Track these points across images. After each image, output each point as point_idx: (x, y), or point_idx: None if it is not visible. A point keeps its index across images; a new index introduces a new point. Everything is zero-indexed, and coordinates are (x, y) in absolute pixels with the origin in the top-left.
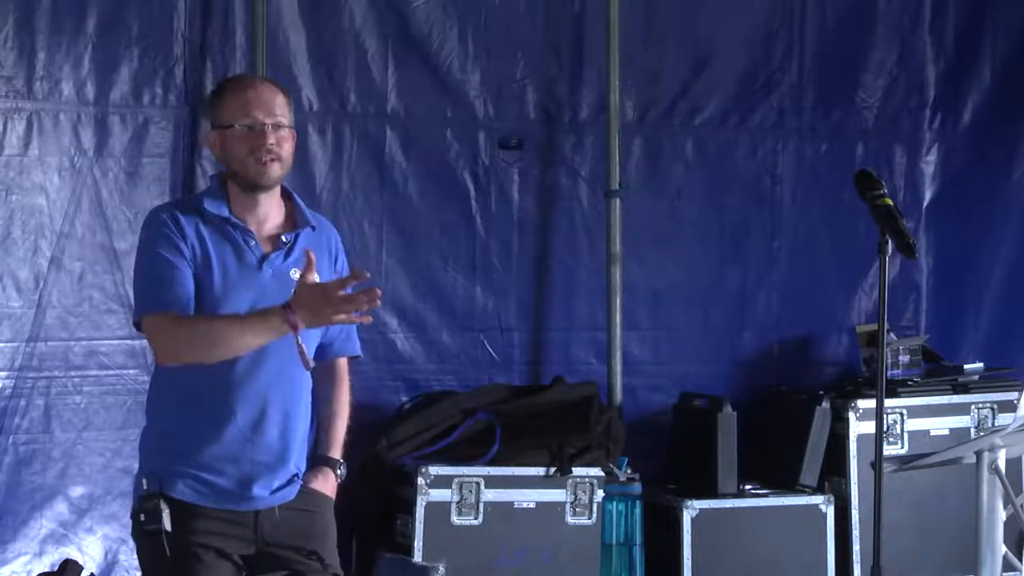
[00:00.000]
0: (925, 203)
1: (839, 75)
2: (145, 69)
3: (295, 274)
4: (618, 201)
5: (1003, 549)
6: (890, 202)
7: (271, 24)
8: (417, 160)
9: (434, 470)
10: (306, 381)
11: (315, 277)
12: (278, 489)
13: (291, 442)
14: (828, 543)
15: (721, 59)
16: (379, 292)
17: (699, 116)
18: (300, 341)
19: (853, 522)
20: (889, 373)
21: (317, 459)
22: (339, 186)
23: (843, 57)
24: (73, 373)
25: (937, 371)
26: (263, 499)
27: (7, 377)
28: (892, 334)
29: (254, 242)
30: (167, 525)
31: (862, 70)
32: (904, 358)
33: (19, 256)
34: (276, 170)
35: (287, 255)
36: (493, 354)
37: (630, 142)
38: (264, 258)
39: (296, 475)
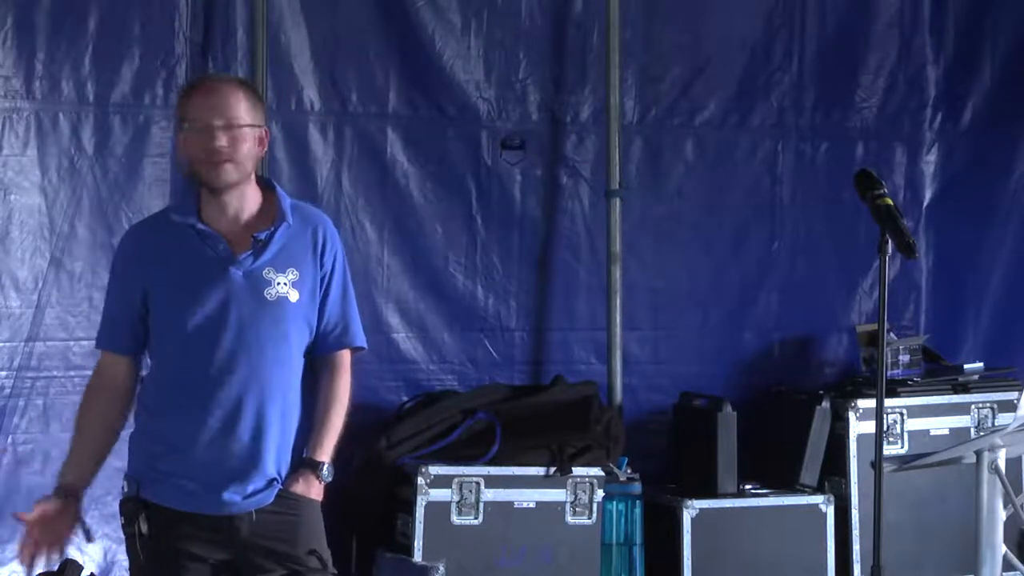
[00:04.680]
0: (925, 203)
1: (839, 75)
2: (146, 69)
3: (269, 273)
4: (618, 201)
5: (1003, 549)
6: (890, 202)
7: (272, 24)
8: (419, 160)
9: (434, 470)
10: (287, 383)
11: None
12: (253, 494)
13: (265, 447)
14: (828, 543)
15: (721, 59)
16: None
17: (699, 116)
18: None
19: (853, 522)
20: (889, 373)
21: (300, 462)
22: (340, 186)
23: (843, 57)
24: (72, 373)
25: (937, 371)
26: (236, 504)
27: (6, 377)
28: (892, 334)
29: (223, 246)
30: (143, 528)
31: (862, 70)
32: (904, 358)
33: (18, 256)
34: (228, 171)
35: (259, 254)
36: (493, 354)
37: (631, 142)
38: (232, 260)
39: (275, 479)
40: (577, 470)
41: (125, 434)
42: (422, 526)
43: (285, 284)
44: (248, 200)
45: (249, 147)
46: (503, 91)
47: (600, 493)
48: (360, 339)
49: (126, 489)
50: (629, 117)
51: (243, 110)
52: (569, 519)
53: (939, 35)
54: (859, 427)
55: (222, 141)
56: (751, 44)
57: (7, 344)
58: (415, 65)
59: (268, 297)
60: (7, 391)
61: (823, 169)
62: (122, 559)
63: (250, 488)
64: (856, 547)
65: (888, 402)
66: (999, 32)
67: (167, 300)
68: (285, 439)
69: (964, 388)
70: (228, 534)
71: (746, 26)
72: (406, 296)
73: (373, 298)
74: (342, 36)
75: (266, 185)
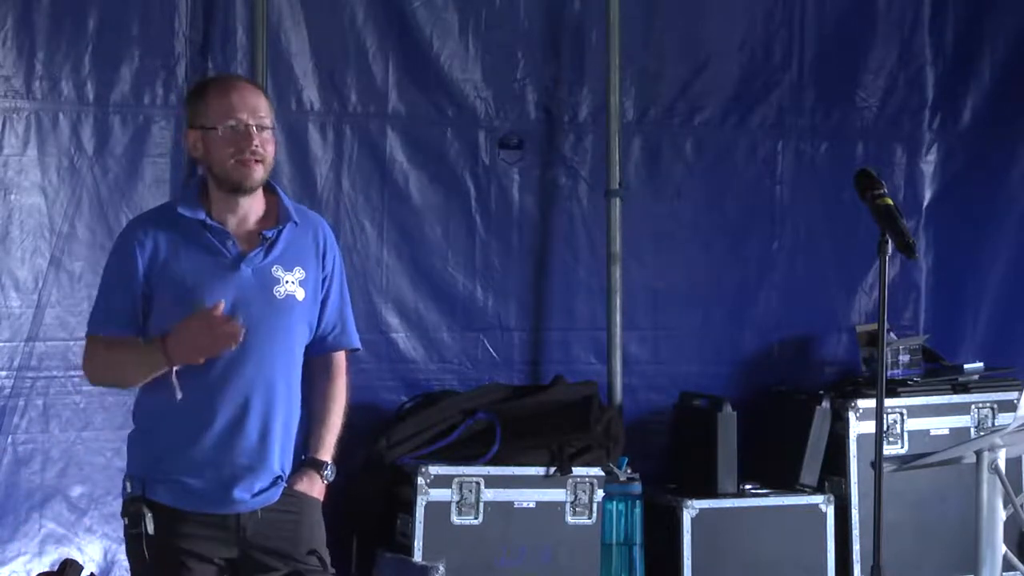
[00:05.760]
0: (925, 203)
1: (839, 75)
2: (145, 69)
3: (278, 271)
4: (618, 201)
5: (1003, 549)
6: (890, 201)
7: (272, 24)
8: (417, 160)
9: (434, 470)
10: (291, 381)
11: (217, 311)
12: (260, 492)
13: (272, 444)
14: (828, 543)
15: (721, 59)
16: (240, 324)
17: (699, 116)
18: (175, 378)
19: (853, 522)
20: (889, 373)
21: (303, 461)
22: (340, 186)
23: (843, 57)
24: (72, 373)
25: (937, 371)
26: (244, 502)
27: (6, 377)
28: (892, 334)
29: (231, 242)
30: (149, 529)
31: (862, 70)
32: (904, 358)
33: (18, 256)
34: (260, 172)
35: (268, 252)
36: (493, 354)
37: (630, 142)
38: (242, 257)
39: (280, 477)
40: (577, 470)
41: (125, 433)
42: (422, 526)
43: (293, 282)
44: (256, 201)
45: (273, 149)
46: (501, 91)
47: (600, 493)
48: (356, 340)
49: (129, 489)
50: (628, 117)
51: (268, 110)
52: (569, 519)
53: (939, 35)
54: (859, 427)
55: (257, 141)
56: (751, 44)
57: (7, 344)
58: (414, 65)
59: (277, 295)
60: (7, 391)
61: (823, 169)
62: (122, 559)
63: (257, 486)
64: (856, 547)
65: (888, 402)
66: (999, 32)
67: (174, 295)
68: (288, 437)
69: (964, 388)
70: (234, 532)
71: (746, 26)
72: (405, 296)
73: (372, 298)
74: (342, 36)
75: (267, 187)
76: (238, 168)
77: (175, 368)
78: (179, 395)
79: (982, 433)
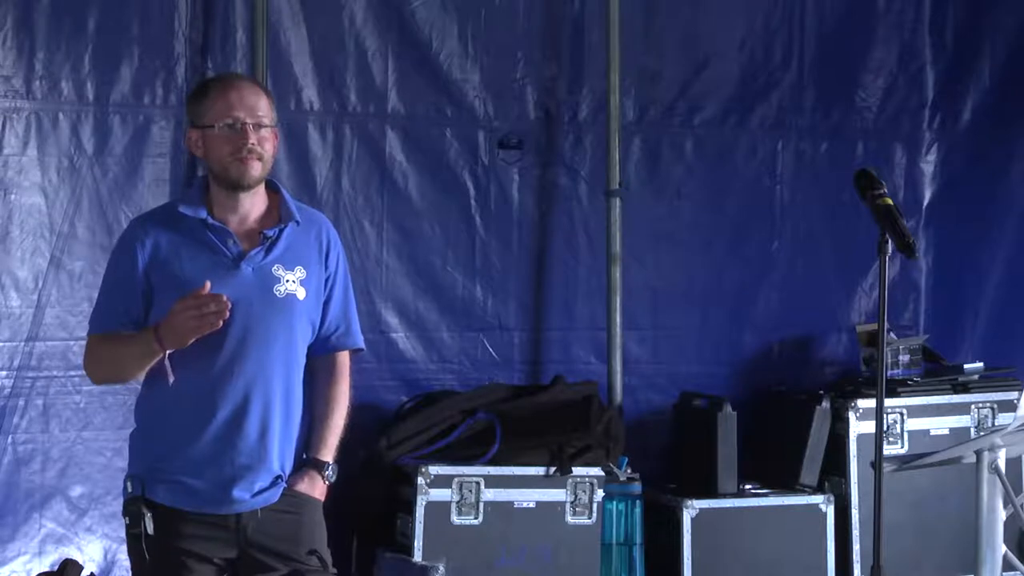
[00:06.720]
0: (925, 203)
1: (839, 75)
2: (145, 69)
3: (278, 270)
4: (618, 201)
5: (1003, 549)
6: (890, 201)
7: (271, 24)
8: (417, 160)
9: (434, 470)
10: (291, 380)
11: (204, 291)
12: (260, 492)
13: (271, 443)
14: (828, 543)
15: (721, 59)
16: (226, 300)
17: (699, 116)
18: (167, 362)
19: (853, 522)
20: (889, 373)
21: (304, 461)
22: (339, 186)
23: (843, 57)
24: (72, 373)
25: (937, 371)
26: (244, 502)
27: (6, 377)
28: (892, 334)
29: (232, 241)
30: (149, 529)
31: (862, 70)
32: (904, 358)
33: (18, 256)
34: (257, 169)
35: (268, 251)
36: (493, 354)
37: (630, 142)
38: (242, 256)
39: (280, 476)
40: (577, 470)
41: (125, 433)
42: (422, 526)
43: (294, 281)
44: (258, 200)
45: (272, 146)
46: (501, 91)
47: (600, 493)
48: (360, 341)
49: (130, 489)
50: (628, 117)
51: (267, 109)
52: (569, 519)
53: (939, 35)
54: (859, 427)
55: (254, 139)
56: (751, 44)
57: (7, 344)
58: (413, 65)
59: (277, 294)
60: (7, 391)
61: (823, 169)
62: (122, 559)
63: (257, 486)
64: (856, 547)
65: (888, 402)
66: (999, 32)
67: (174, 294)
68: (288, 436)
69: (964, 388)
70: (234, 532)
71: (746, 26)
72: (405, 296)
73: (372, 298)
74: (342, 36)
75: (270, 186)
76: (236, 165)
77: (167, 352)
78: (171, 379)
79: (982, 433)
